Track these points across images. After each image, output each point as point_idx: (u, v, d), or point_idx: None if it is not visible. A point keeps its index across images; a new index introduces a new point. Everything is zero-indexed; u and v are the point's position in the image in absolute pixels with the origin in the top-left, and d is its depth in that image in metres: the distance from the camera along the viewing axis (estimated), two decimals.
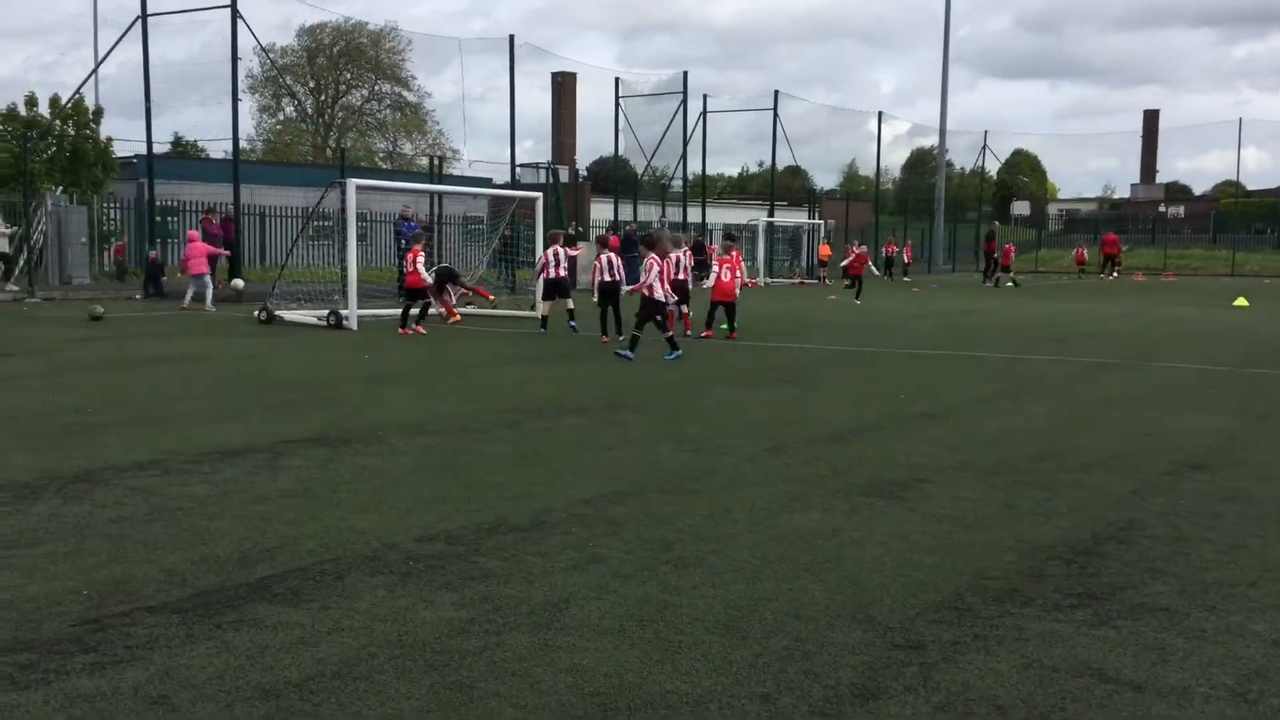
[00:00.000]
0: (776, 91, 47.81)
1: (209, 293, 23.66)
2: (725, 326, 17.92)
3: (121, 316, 21.02)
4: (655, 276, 14.57)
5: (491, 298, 22.50)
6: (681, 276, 16.87)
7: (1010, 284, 39.76)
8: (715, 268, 18.26)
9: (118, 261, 31.44)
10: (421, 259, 18.60)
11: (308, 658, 4.10)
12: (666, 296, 15.01)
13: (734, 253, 18.44)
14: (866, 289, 30.99)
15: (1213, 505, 6.70)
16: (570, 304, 18.95)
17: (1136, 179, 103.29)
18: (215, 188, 33.51)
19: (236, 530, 5.84)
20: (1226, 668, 4.14)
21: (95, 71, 34.74)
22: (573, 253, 20.82)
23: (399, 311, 19.01)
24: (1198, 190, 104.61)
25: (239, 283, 26.12)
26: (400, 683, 3.89)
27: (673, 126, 43.10)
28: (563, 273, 18.92)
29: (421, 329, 18.30)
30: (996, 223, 53.91)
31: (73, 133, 29.57)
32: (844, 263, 33.28)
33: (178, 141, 60.48)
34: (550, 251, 18.95)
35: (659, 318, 14.63)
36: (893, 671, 4.05)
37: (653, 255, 14.79)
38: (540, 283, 19.20)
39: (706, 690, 3.87)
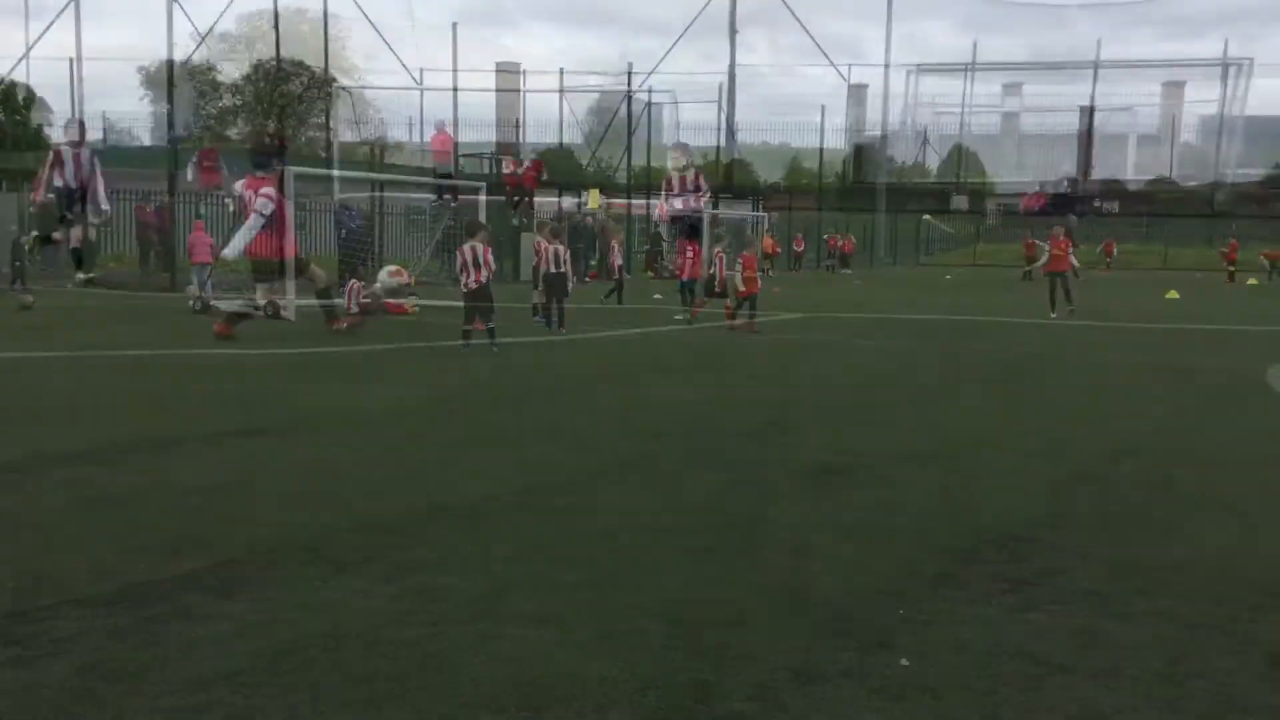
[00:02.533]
0: (721, 84, 47.84)
1: (196, 284, 22.63)
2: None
3: (51, 305, 20.54)
4: (459, 268, 14.14)
5: (410, 310, 19.11)
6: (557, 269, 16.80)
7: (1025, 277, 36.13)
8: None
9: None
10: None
11: (239, 650, 4.03)
12: (469, 285, 14.26)
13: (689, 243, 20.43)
14: (812, 283, 30.76)
15: (1144, 492, 6.83)
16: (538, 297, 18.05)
17: (1073, 174, 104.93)
18: (150, 174, 32.77)
19: (168, 522, 5.73)
20: (1154, 650, 4.22)
21: (26, 56, 33.97)
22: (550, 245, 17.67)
23: (341, 301, 18.63)
24: (1131, 186, 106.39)
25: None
26: (334, 675, 3.84)
27: (617, 118, 43.00)
28: (562, 268, 17.14)
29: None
30: (1072, 216, 49.18)
31: (3, 118, 28.85)
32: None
33: (111, 128, 59.16)
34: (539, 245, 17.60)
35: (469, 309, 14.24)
36: (828, 656, 4.08)
37: (463, 248, 14.42)
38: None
39: (644, 678, 3.86)
